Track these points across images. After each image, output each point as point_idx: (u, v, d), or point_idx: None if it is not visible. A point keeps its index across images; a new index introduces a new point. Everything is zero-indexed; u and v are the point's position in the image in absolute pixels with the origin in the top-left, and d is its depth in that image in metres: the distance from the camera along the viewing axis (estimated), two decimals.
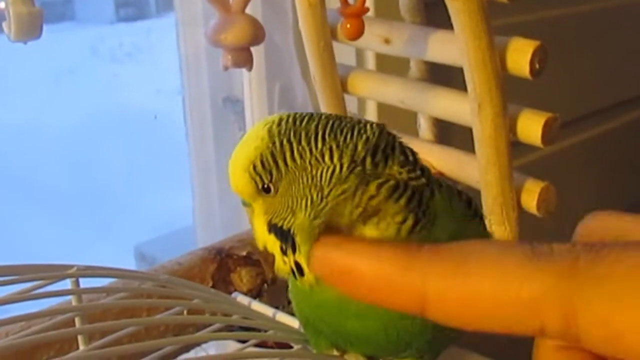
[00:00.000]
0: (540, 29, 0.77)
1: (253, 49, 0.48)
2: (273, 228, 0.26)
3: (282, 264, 0.26)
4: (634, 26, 0.97)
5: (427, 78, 0.59)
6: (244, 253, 0.57)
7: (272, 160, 0.25)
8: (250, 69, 0.48)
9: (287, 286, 0.30)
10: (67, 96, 1.90)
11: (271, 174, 0.25)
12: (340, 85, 0.57)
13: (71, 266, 0.33)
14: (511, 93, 0.48)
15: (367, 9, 0.46)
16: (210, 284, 0.54)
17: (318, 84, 0.56)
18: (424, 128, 0.61)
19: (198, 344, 0.50)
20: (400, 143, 0.26)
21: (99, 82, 1.97)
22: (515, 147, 0.49)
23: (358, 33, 0.46)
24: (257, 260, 0.57)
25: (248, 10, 0.47)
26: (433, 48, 0.51)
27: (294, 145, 0.25)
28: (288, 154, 0.25)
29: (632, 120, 1.01)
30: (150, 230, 1.22)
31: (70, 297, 0.34)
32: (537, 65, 0.46)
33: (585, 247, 0.16)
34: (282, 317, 0.35)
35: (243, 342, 0.37)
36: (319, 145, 0.25)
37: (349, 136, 0.25)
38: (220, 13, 0.46)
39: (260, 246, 0.27)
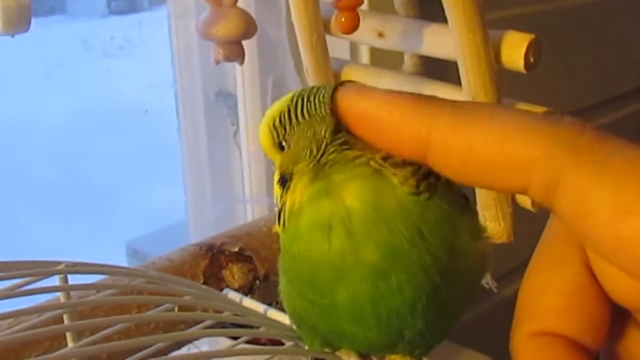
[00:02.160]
0: (535, 22, 0.76)
1: (246, 43, 0.47)
2: (280, 179, 0.28)
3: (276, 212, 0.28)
4: (629, 20, 0.97)
5: (422, 72, 0.59)
6: (236, 249, 0.57)
7: (287, 117, 0.27)
8: (241, 62, 0.47)
9: (278, 285, 0.30)
10: (57, 91, 1.89)
11: (285, 130, 0.27)
12: (333, 79, 0.56)
13: (59, 262, 0.33)
14: (505, 87, 0.47)
15: (361, 2, 0.45)
16: (202, 280, 0.54)
17: (311, 78, 0.56)
18: None
19: (189, 341, 0.49)
20: None
21: (90, 77, 1.96)
22: None
23: (353, 26, 0.45)
24: (249, 256, 0.57)
25: (240, 4, 0.47)
26: (427, 42, 0.51)
27: (305, 101, 0.27)
28: (299, 109, 0.27)
29: (628, 114, 1.01)
30: (142, 226, 1.21)
31: (58, 294, 0.33)
32: (531, 59, 0.46)
33: (592, 129, 0.16)
34: (274, 314, 0.34)
35: (235, 338, 0.36)
36: (328, 102, 0.26)
37: None
38: (212, 6, 0.46)
39: (274, 199, 0.29)
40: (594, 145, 0.16)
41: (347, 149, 0.25)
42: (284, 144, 0.28)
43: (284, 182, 0.28)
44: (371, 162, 0.25)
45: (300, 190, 0.26)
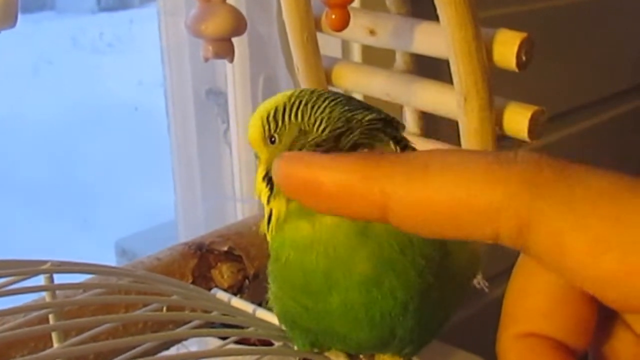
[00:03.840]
0: (527, 21, 0.76)
1: (237, 41, 0.47)
2: (266, 177, 0.28)
3: (265, 217, 0.28)
4: (622, 18, 0.97)
5: (413, 70, 0.59)
6: (225, 248, 0.56)
7: (282, 112, 0.28)
8: (231, 60, 0.47)
9: (267, 290, 0.30)
10: (46, 88, 1.88)
11: (277, 124, 0.28)
12: (324, 77, 0.56)
13: (45, 262, 0.32)
14: (497, 86, 0.47)
15: None
16: (191, 280, 0.53)
17: (302, 76, 0.55)
18: (410, 121, 0.61)
19: (177, 341, 0.49)
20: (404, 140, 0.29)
21: (79, 74, 1.94)
22: (502, 141, 0.49)
23: (343, 24, 0.45)
24: (238, 255, 0.56)
25: (231, 1, 0.46)
26: (419, 40, 0.50)
27: (302, 105, 0.28)
28: (294, 110, 0.28)
29: (621, 114, 1.01)
30: (132, 225, 1.20)
31: (44, 293, 0.33)
32: (523, 58, 0.46)
33: (551, 161, 0.16)
34: (263, 314, 0.34)
35: (224, 339, 0.36)
36: (317, 111, 0.27)
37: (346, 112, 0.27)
38: (201, 3, 0.45)
39: (256, 195, 0.29)
40: (556, 180, 0.15)
41: None
42: (275, 137, 0.28)
43: (270, 182, 0.28)
44: None
45: (284, 199, 0.26)
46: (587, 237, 0.15)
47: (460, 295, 0.28)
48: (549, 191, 0.15)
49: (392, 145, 0.28)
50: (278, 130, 0.28)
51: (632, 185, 0.15)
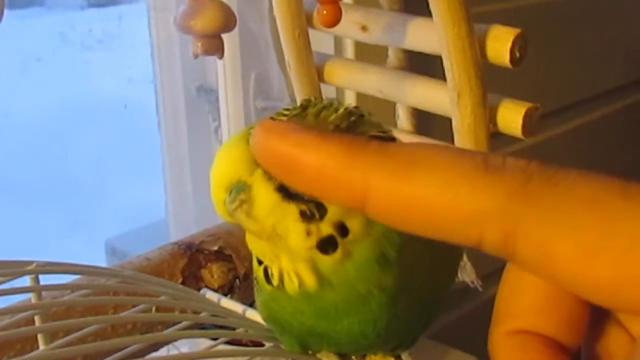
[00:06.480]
0: (520, 17, 0.76)
1: (228, 38, 0.46)
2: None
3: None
4: (615, 15, 0.97)
5: (406, 67, 0.58)
6: (215, 248, 0.56)
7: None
8: (221, 57, 0.46)
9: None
10: (34, 84, 1.86)
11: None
12: (316, 74, 0.55)
13: (30, 262, 0.31)
14: (491, 83, 0.47)
15: None
16: (180, 280, 0.53)
17: (293, 73, 0.55)
18: (403, 118, 0.60)
19: (167, 342, 0.48)
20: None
21: (69, 70, 1.93)
22: (496, 138, 0.48)
23: (335, 20, 0.44)
24: (228, 255, 0.56)
25: None
26: (411, 36, 0.50)
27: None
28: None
29: (615, 111, 1.01)
30: (122, 223, 1.20)
31: (30, 294, 0.32)
32: (517, 54, 0.45)
33: (539, 168, 0.15)
34: (253, 314, 0.34)
35: (214, 339, 0.35)
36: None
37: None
38: None
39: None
40: (545, 188, 0.15)
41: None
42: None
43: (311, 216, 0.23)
44: None
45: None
46: (576, 245, 0.14)
47: (448, 281, 0.28)
48: (537, 200, 0.15)
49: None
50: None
51: (623, 190, 0.15)
